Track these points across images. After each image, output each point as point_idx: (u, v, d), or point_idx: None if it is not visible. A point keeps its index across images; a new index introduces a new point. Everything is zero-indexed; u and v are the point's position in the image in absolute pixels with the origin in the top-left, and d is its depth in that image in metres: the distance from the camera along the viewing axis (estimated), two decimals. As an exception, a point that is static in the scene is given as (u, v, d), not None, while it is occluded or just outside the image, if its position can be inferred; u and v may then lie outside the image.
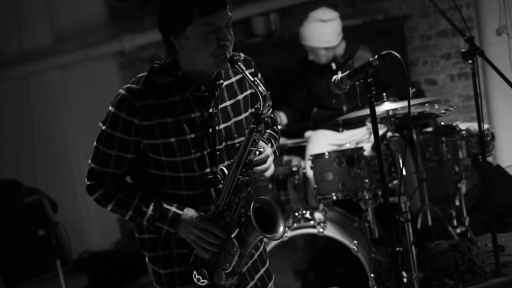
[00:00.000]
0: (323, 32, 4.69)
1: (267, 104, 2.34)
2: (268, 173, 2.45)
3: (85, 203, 5.74)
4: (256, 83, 2.34)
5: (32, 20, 5.68)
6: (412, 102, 4.04)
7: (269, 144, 2.53)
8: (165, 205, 2.41)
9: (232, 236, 2.38)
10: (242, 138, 2.40)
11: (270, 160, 2.43)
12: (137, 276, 5.22)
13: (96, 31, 5.79)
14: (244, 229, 2.39)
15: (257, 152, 2.38)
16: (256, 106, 2.35)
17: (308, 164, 4.40)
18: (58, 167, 5.80)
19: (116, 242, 5.92)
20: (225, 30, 2.32)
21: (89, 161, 2.45)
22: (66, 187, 5.75)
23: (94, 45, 5.76)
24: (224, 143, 2.45)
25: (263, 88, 2.35)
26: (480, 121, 3.30)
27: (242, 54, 2.45)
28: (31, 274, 4.64)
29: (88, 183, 2.46)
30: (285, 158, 4.75)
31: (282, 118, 4.97)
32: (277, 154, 2.63)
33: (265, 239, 2.57)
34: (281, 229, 2.40)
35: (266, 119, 2.33)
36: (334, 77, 2.38)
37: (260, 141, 2.41)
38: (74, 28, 5.77)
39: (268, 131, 2.65)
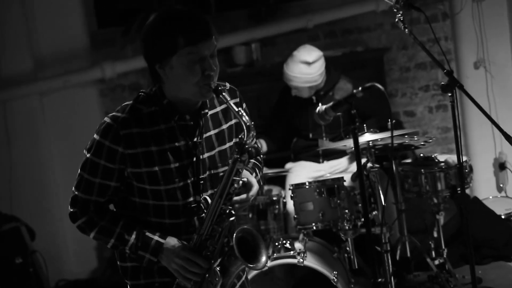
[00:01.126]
0: (308, 73, 4.69)
1: (251, 134, 2.35)
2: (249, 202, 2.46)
3: (62, 231, 5.69)
4: (240, 113, 2.34)
5: (13, 46, 5.65)
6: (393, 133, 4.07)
7: (254, 174, 2.53)
8: (148, 234, 2.40)
9: (215, 265, 2.38)
10: (226, 168, 2.40)
11: (254, 190, 2.44)
12: (113, 305, 5.17)
13: (77, 58, 5.77)
14: (227, 258, 2.39)
15: (240, 182, 2.39)
16: (240, 136, 2.36)
17: (288, 194, 4.40)
18: (36, 194, 5.75)
19: (92, 271, 5.86)
20: (210, 60, 2.33)
21: (73, 188, 2.44)
22: (43, 214, 5.69)
23: (75, 72, 5.75)
24: (208, 172, 2.45)
25: (247, 118, 2.36)
26: (459, 152, 3.32)
27: (227, 84, 2.47)
28: (8, 302, 4.58)
29: (71, 210, 2.44)
30: (265, 187, 4.75)
31: (263, 145, 4.98)
32: (262, 183, 2.63)
33: (246, 268, 2.56)
34: (263, 259, 2.40)
35: (250, 149, 2.34)
36: (318, 108, 2.40)
37: (245, 170, 2.42)
38: (55, 55, 5.76)
39: (252, 161, 2.65)
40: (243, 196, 2.41)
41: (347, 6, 5.87)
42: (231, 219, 2.41)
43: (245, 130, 2.34)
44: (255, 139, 2.53)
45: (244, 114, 2.35)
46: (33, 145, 5.76)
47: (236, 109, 2.35)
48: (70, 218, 2.46)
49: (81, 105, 5.73)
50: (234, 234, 2.34)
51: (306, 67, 4.69)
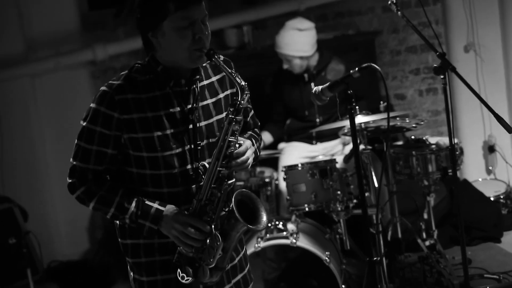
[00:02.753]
0: (299, 41, 4.75)
1: (244, 95, 2.38)
2: (246, 164, 2.46)
3: (54, 212, 5.70)
4: (233, 74, 2.40)
5: (4, 28, 5.61)
6: (384, 115, 4.11)
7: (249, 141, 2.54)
8: (147, 202, 2.42)
9: (215, 230, 2.38)
10: None
11: (250, 152, 2.46)
12: (106, 286, 5.19)
13: (68, 40, 5.75)
14: (227, 222, 2.40)
15: (237, 145, 2.41)
16: (234, 98, 2.40)
17: (281, 175, 4.43)
18: (27, 175, 5.74)
19: (84, 252, 5.87)
20: (201, 25, 2.36)
21: (71, 159, 2.45)
22: (34, 196, 5.68)
23: (66, 54, 5.72)
24: (205, 141, 2.47)
25: (241, 79, 2.41)
26: (451, 135, 3.35)
27: (221, 56, 2.49)
28: (2, 283, 4.58)
29: (70, 181, 2.45)
30: (258, 169, 4.77)
31: (267, 136, 4.99)
32: (258, 154, 2.64)
33: (245, 244, 2.58)
34: (263, 219, 2.42)
35: (245, 108, 2.38)
36: (315, 88, 2.42)
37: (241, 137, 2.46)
38: (46, 36, 5.73)
39: (249, 132, 2.68)
40: (241, 159, 2.41)
41: (339, -11, 5.88)
42: (230, 182, 2.43)
43: (239, 90, 2.38)
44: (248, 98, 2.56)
45: (238, 75, 2.41)
46: (24, 126, 5.74)
47: (229, 70, 2.40)
48: (69, 189, 2.46)
49: (72, 87, 5.71)
50: (233, 197, 2.36)
51: (298, 33, 4.76)
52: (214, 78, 2.55)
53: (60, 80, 5.75)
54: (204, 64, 2.51)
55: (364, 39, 5.93)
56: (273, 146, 5.09)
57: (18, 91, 5.71)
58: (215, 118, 2.51)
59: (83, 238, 5.91)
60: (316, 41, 4.85)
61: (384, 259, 3.93)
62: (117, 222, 2.52)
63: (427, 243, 4.39)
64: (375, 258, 2.29)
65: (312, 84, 4.82)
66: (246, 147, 2.45)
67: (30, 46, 5.71)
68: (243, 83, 2.40)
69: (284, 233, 3.95)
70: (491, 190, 5.52)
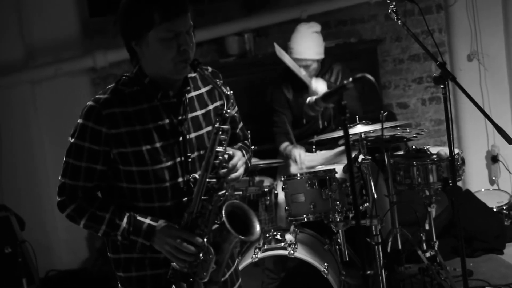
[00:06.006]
0: (319, 43, 4.77)
1: (230, 103, 2.37)
2: (236, 175, 2.43)
3: (53, 221, 5.66)
4: (218, 83, 2.38)
5: (4, 34, 5.60)
6: (385, 125, 4.06)
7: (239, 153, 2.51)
8: (139, 218, 2.38)
9: (207, 243, 2.35)
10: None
11: (241, 163, 2.43)
12: (104, 295, 5.16)
13: (69, 47, 5.73)
14: (219, 234, 2.36)
15: (226, 155, 2.37)
16: (220, 107, 2.38)
17: (279, 185, 4.39)
18: (27, 183, 5.72)
19: (83, 261, 5.84)
20: (186, 36, 2.33)
21: (59, 177, 2.41)
22: (33, 204, 5.66)
23: (66, 61, 5.70)
24: (196, 153, 2.44)
25: (227, 88, 2.39)
26: (451, 145, 3.32)
27: (209, 68, 2.48)
28: (-3, 293, 4.56)
29: (59, 199, 2.42)
30: (257, 178, 4.73)
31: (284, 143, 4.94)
32: (249, 165, 2.61)
33: (237, 259, 2.54)
34: (256, 230, 2.38)
35: (233, 118, 2.39)
36: (308, 99, 2.39)
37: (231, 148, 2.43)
38: (46, 43, 5.71)
39: (239, 144, 2.65)
40: (230, 166, 2.38)
41: (341, -3, 5.85)
42: (221, 193, 2.39)
43: (224, 99, 2.36)
44: (236, 108, 2.56)
45: (223, 85, 2.39)
46: (24, 133, 5.73)
47: (214, 80, 2.38)
48: (59, 207, 2.43)
49: (72, 93, 5.68)
50: (223, 209, 2.32)
51: (317, 36, 4.77)
52: (203, 90, 2.52)
53: (60, 87, 5.73)
54: (193, 75, 2.48)
55: (366, 47, 5.90)
56: (271, 155, 5.04)
57: (18, 97, 5.70)
58: (205, 130, 2.48)
59: (82, 247, 5.88)
60: None
61: (383, 270, 3.88)
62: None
63: (428, 254, 4.33)
64: (368, 272, 2.23)
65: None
66: (239, 158, 2.41)
67: (30, 52, 5.70)
68: (228, 92, 2.38)
69: (282, 243, 3.90)
70: (494, 201, 5.47)
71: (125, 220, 2.37)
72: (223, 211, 2.31)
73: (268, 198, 4.48)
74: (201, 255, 2.34)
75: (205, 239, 2.34)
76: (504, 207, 5.43)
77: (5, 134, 5.68)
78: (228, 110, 2.35)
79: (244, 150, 2.59)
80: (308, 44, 4.73)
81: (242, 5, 5.93)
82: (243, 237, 2.34)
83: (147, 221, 2.37)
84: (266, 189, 4.50)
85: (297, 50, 4.75)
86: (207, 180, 2.34)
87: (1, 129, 5.67)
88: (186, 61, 2.33)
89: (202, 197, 2.35)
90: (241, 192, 4.46)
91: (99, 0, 6.01)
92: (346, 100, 2.22)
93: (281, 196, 4.26)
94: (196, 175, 2.41)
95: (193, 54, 2.37)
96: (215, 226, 2.39)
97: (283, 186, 4.08)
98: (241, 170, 2.43)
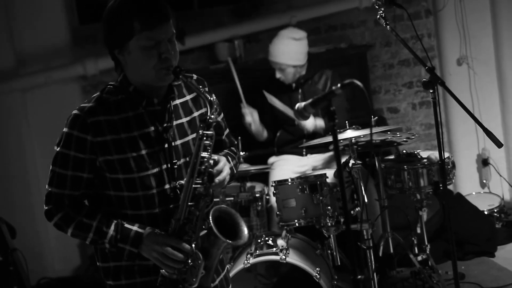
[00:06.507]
0: (295, 50, 4.78)
1: (213, 110, 2.38)
2: (220, 179, 2.42)
3: (44, 228, 5.64)
4: (201, 90, 2.39)
5: (-7, 43, 5.61)
6: (375, 130, 4.07)
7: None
8: (126, 225, 2.38)
9: (195, 248, 2.35)
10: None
11: (227, 168, 2.43)
12: (97, 303, 5.14)
13: (59, 55, 5.73)
14: (207, 240, 2.37)
15: (211, 161, 2.38)
16: (203, 113, 2.40)
17: (271, 190, 4.39)
18: (17, 191, 5.70)
19: (75, 268, 5.82)
20: (167, 44, 2.34)
21: (46, 186, 2.42)
22: (25, 212, 5.64)
23: (57, 69, 5.70)
24: (182, 159, 2.45)
25: (211, 95, 2.42)
26: (440, 149, 3.33)
27: (194, 75, 2.50)
28: (-12, 301, 4.54)
29: (46, 208, 2.42)
30: (248, 184, 4.73)
31: (264, 132, 5.01)
32: (235, 171, 2.62)
33: (227, 266, 2.55)
34: (244, 233, 2.40)
35: (218, 125, 2.39)
36: (297, 105, 2.39)
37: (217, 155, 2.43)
38: (37, 51, 5.71)
39: (226, 150, 2.65)
40: (215, 171, 2.38)
41: (330, 3, 5.88)
42: (207, 199, 2.39)
43: (208, 105, 2.36)
44: (222, 114, 2.58)
45: (207, 92, 2.40)
46: (15, 141, 5.71)
47: (198, 86, 2.39)
48: (46, 216, 2.43)
49: (63, 101, 5.67)
50: (210, 214, 2.33)
51: (294, 42, 4.80)
52: (188, 97, 2.53)
53: (51, 95, 5.72)
54: (178, 83, 2.49)
55: (356, 52, 5.92)
56: (262, 161, 5.05)
57: (9, 105, 5.68)
58: (190, 137, 2.48)
59: (74, 254, 5.86)
60: (307, 50, 4.86)
61: (375, 275, 3.89)
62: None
63: (420, 258, 4.35)
64: (359, 277, 2.24)
65: (299, 91, 4.84)
66: (224, 164, 2.42)
67: (20, 60, 5.69)
68: (212, 98, 2.40)
69: (274, 249, 3.90)
70: (485, 204, 5.49)
71: (112, 227, 2.37)
72: (210, 217, 2.32)
73: (260, 203, 4.49)
74: (189, 261, 2.34)
75: (193, 245, 2.35)
76: (495, 210, 5.45)
77: (-4, 142, 5.68)
78: (212, 116, 2.36)
79: (230, 156, 2.60)
80: (284, 49, 4.79)
81: (232, 11, 5.94)
82: (231, 242, 2.35)
83: (134, 228, 2.38)
84: (257, 195, 4.51)
85: (272, 53, 4.85)
86: (193, 186, 2.35)
87: (-8, 137, 5.66)
88: (168, 68, 2.34)
89: (189, 203, 2.35)
90: (232, 198, 4.47)
91: (89, 7, 6.01)
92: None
93: (274, 201, 4.27)
94: (183, 182, 2.41)
95: (177, 61, 2.38)
96: (203, 231, 2.40)
97: (274, 191, 4.09)
98: (226, 175, 2.43)
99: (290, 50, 4.78)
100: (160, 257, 2.34)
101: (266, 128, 5.08)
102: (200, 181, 2.36)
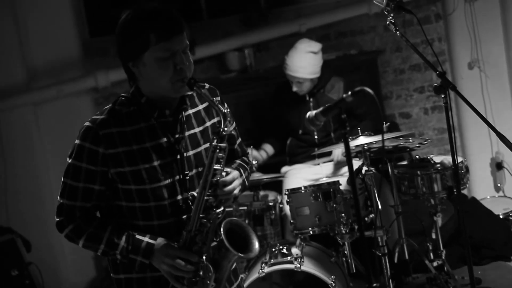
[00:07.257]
0: (313, 63, 4.77)
1: (227, 122, 2.37)
2: (234, 192, 2.42)
3: (59, 241, 5.65)
4: (215, 101, 2.39)
5: (5, 57, 5.63)
6: (387, 136, 4.06)
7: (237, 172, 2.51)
8: (138, 236, 2.38)
9: (206, 260, 2.35)
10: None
11: (237, 182, 2.43)
12: (112, 315, 5.14)
13: (70, 68, 5.76)
14: (218, 252, 2.36)
15: (223, 173, 2.38)
16: (217, 125, 2.40)
17: (284, 198, 4.38)
18: (31, 205, 5.72)
19: (90, 280, 5.83)
20: (182, 55, 2.34)
21: (58, 197, 2.42)
22: (39, 225, 5.65)
23: (68, 82, 5.73)
24: (194, 170, 2.45)
25: (224, 106, 2.41)
26: (454, 154, 3.31)
27: (206, 84, 2.49)
28: (4, 315, 4.56)
29: (58, 219, 2.42)
30: (262, 193, 4.72)
31: (268, 149, 5.01)
32: (246, 184, 2.61)
33: (242, 276, 2.54)
34: (255, 246, 2.38)
35: (231, 135, 2.39)
36: (308, 113, 2.39)
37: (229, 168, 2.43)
38: (48, 65, 5.74)
39: (238, 161, 2.65)
40: (225, 180, 2.38)
41: (339, 10, 5.86)
42: (219, 211, 2.39)
43: (221, 117, 2.37)
44: (234, 124, 2.57)
45: (220, 104, 2.40)
46: (28, 155, 5.74)
47: (211, 98, 2.39)
48: (57, 228, 2.44)
49: (75, 114, 5.70)
50: (222, 226, 2.32)
51: (313, 56, 4.77)
52: (200, 107, 2.53)
53: (62, 108, 5.76)
54: (190, 93, 2.49)
55: (366, 58, 5.91)
56: (275, 170, 5.04)
57: (21, 120, 5.72)
58: (203, 147, 2.48)
59: (89, 266, 5.87)
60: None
61: (390, 281, 3.87)
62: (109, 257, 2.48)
63: (435, 263, 4.32)
64: (374, 285, 2.23)
65: (311, 100, 4.83)
66: (233, 177, 2.42)
67: (31, 74, 5.73)
68: (225, 110, 2.39)
69: (289, 257, 3.90)
70: (500, 208, 5.44)
71: (123, 239, 2.38)
72: (222, 229, 2.32)
73: (273, 212, 4.48)
74: (200, 272, 2.34)
75: (204, 257, 2.35)
76: (511, 214, 5.41)
77: (9, 156, 5.70)
78: (226, 128, 2.36)
79: (242, 168, 2.60)
80: (302, 64, 4.76)
81: (241, 20, 5.95)
82: (242, 255, 2.34)
83: (146, 239, 2.38)
84: (271, 203, 4.51)
85: (291, 68, 4.80)
86: (205, 198, 2.35)
87: (5, 151, 5.69)
88: (183, 80, 2.34)
89: (201, 215, 2.35)
90: (246, 207, 4.46)
91: (99, 20, 6.05)
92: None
93: (288, 209, 4.26)
94: (195, 193, 2.42)
95: (191, 72, 2.38)
96: (214, 243, 2.39)
97: (288, 200, 4.08)
98: (237, 190, 2.43)
99: (308, 64, 4.76)
100: (169, 268, 2.34)
101: (274, 137, 5.08)
102: (212, 193, 2.35)
